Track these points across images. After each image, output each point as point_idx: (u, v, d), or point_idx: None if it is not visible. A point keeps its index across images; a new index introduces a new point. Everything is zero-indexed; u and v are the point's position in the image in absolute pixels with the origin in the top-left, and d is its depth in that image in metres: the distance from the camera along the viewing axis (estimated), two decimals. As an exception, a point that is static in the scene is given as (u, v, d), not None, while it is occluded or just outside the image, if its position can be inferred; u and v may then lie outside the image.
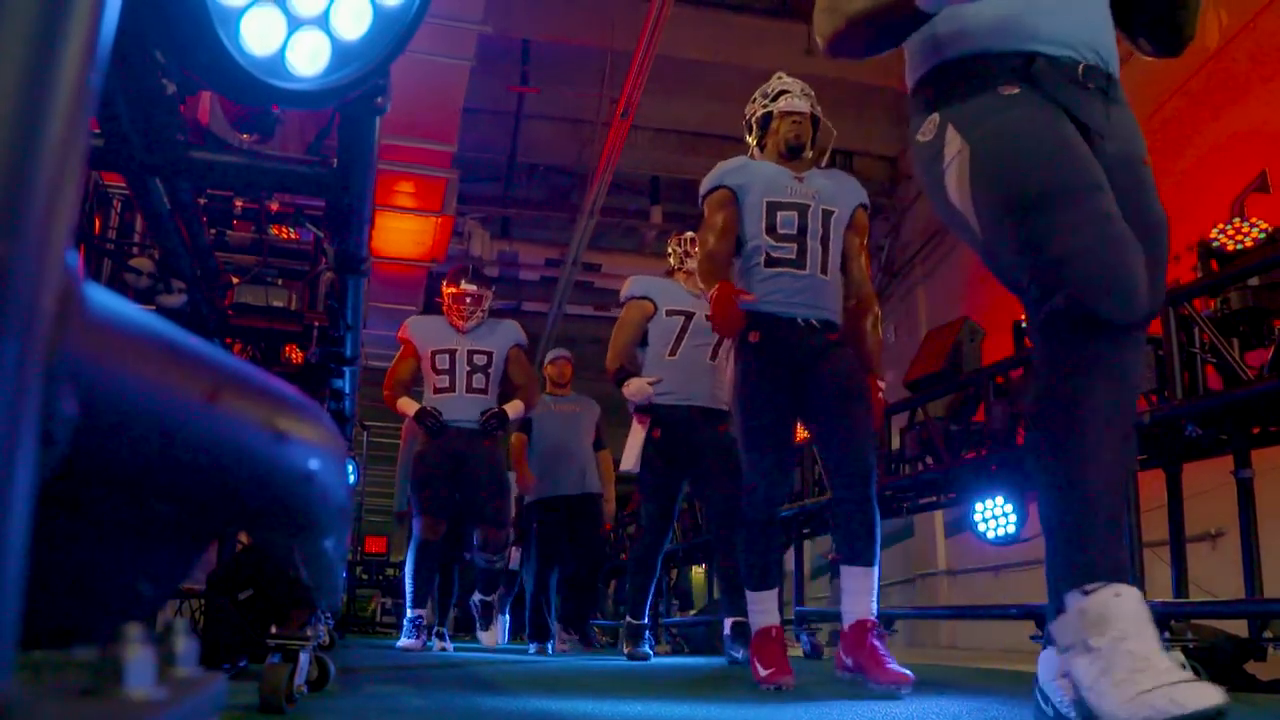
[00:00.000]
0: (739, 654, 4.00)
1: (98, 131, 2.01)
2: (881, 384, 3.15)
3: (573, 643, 6.10)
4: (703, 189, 3.21)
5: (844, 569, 2.89)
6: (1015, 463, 3.79)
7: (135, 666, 0.45)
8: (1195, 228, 3.77)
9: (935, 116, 1.80)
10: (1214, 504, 3.94)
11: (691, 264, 4.50)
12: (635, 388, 4.32)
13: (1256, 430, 3.14)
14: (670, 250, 4.80)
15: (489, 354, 5.17)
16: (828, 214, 3.10)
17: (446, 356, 5.13)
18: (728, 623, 4.27)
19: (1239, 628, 3.16)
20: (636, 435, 4.36)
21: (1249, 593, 3.07)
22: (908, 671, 2.66)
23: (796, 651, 5.48)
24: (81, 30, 0.42)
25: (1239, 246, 3.23)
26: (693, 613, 8.67)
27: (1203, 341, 2.98)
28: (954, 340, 4.98)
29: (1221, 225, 3.33)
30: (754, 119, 3.34)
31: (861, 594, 2.85)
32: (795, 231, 3.05)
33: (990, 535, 4.26)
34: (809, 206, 3.07)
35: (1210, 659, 2.88)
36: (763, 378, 2.94)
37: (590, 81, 9.93)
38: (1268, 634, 3.05)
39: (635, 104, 8.49)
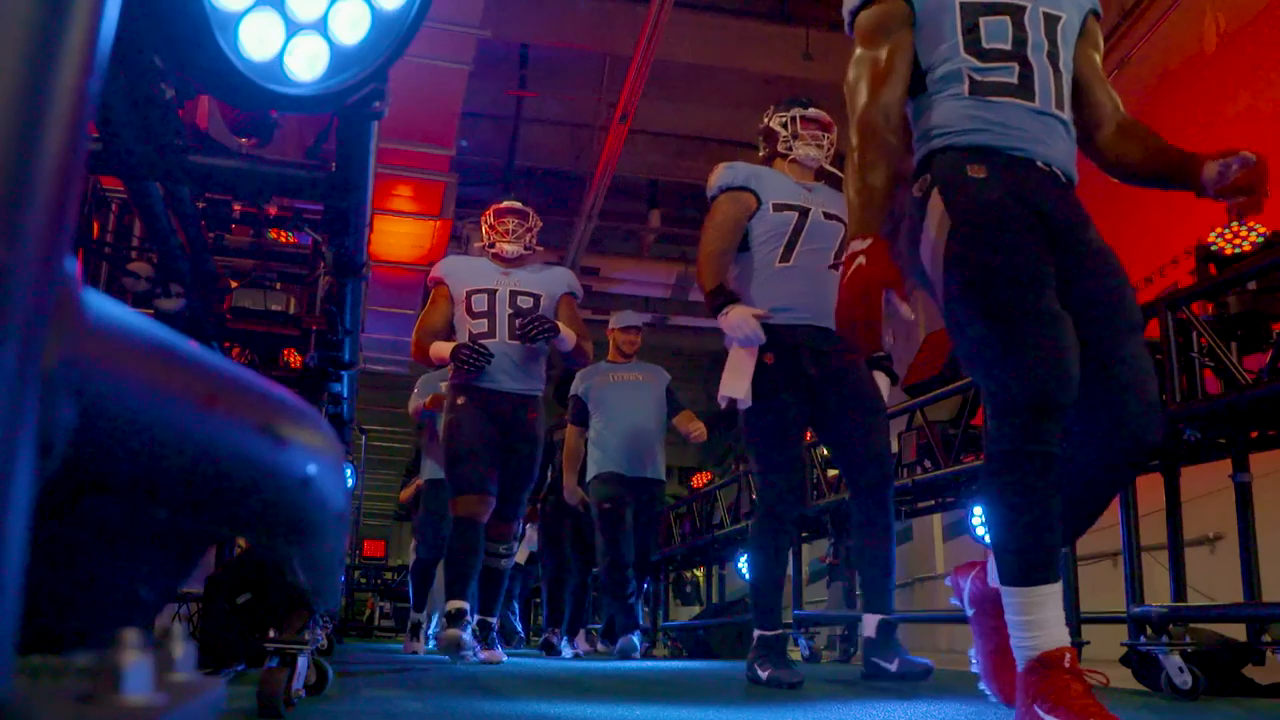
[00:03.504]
0: (890, 664, 2.96)
1: (96, 136, 2.02)
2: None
3: (607, 650, 5.50)
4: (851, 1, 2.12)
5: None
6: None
7: (133, 672, 0.45)
8: (1193, 231, 3.77)
9: None
10: (1212, 508, 3.95)
11: (803, 149, 3.38)
12: (737, 319, 3.09)
13: (1255, 434, 3.14)
14: (768, 128, 3.49)
15: (536, 296, 4.30)
16: (1052, 20, 2.05)
17: (484, 297, 4.25)
18: (870, 622, 3.12)
19: (1237, 632, 3.16)
20: (741, 360, 3.17)
21: (1247, 597, 3.07)
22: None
23: (795, 655, 5.48)
24: (80, 35, 0.42)
25: (1237, 250, 3.23)
26: (694, 615, 8.66)
27: (1201, 345, 2.98)
28: (952, 344, 4.97)
29: (1219, 229, 3.34)
30: None
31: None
32: (1010, 45, 2.01)
33: (989, 540, 4.25)
34: (1025, 8, 2.03)
35: (1209, 663, 2.88)
36: (1005, 215, 1.88)
37: (589, 85, 9.95)
38: (1266, 638, 3.05)
39: (634, 108, 8.50)
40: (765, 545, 3.19)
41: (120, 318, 0.47)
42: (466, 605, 4.21)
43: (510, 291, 4.29)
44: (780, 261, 3.25)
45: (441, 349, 4.17)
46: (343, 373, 3.77)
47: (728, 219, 3.27)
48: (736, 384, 3.12)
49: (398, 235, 9.65)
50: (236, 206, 3.34)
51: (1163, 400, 3.06)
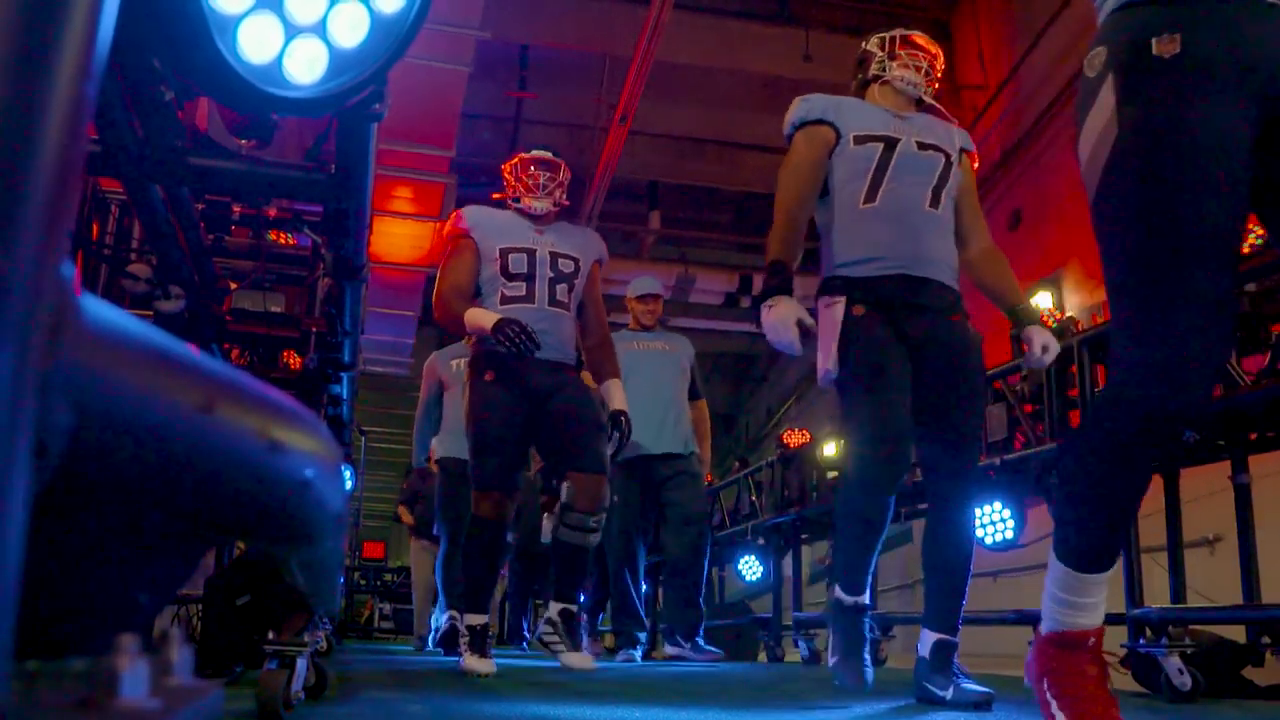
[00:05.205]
0: (944, 691, 2.56)
1: (96, 138, 2.02)
2: None
3: (682, 652, 5.01)
4: None
5: None
6: (1014, 469, 3.79)
7: (130, 676, 0.45)
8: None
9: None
10: (1211, 509, 3.95)
11: (899, 70, 2.90)
12: (777, 319, 2.58)
13: (1254, 436, 3.15)
14: (863, 52, 3.01)
15: (576, 260, 3.81)
16: None
17: (523, 257, 3.71)
18: (927, 640, 2.64)
19: (1237, 633, 3.16)
20: (825, 326, 2.72)
21: (1246, 598, 3.07)
22: None
23: (795, 657, 5.48)
24: (77, 40, 0.42)
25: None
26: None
27: (1200, 347, 2.97)
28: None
29: (1218, 231, 3.34)
30: None
31: None
32: None
33: (989, 541, 4.26)
34: None
35: (1208, 664, 2.88)
36: (1191, 138, 1.47)
37: (589, 87, 9.96)
38: (1265, 639, 3.05)
39: (634, 109, 8.51)
40: (854, 526, 2.65)
41: (117, 322, 0.47)
42: (488, 619, 3.70)
43: (550, 252, 3.74)
44: (865, 202, 2.75)
45: (480, 318, 3.49)
46: (342, 374, 3.77)
47: (803, 163, 2.79)
48: (824, 355, 2.68)
49: (397, 236, 9.65)
50: (236, 208, 3.35)
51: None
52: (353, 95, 1.35)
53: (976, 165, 2.98)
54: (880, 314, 2.63)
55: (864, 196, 2.73)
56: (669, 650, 5.12)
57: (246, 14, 1.21)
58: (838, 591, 2.69)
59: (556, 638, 3.48)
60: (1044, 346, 2.67)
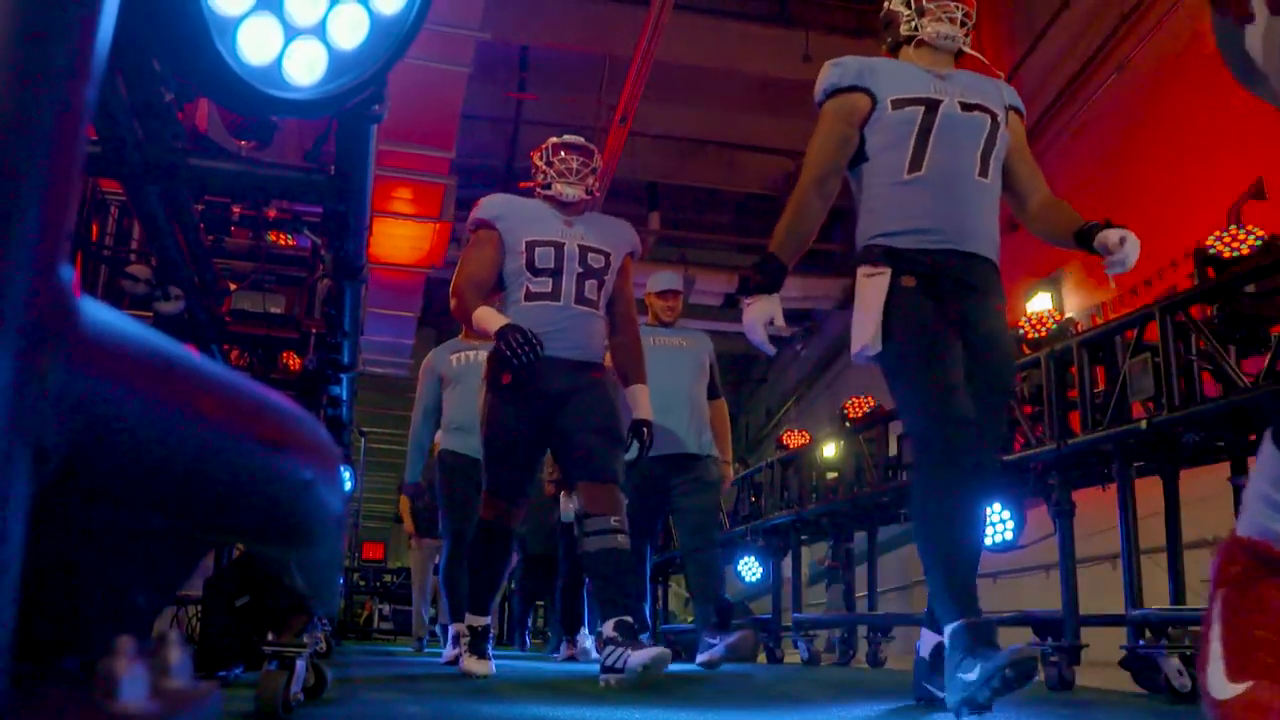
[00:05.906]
0: (944, 692, 2.31)
1: (96, 139, 2.02)
2: None
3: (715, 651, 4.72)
4: None
5: None
6: (1013, 470, 3.79)
7: (129, 679, 0.45)
8: (1192, 235, 3.78)
9: None
10: (1211, 511, 3.95)
11: (933, 25, 2.67)
12: (754, 316, 2.51)
13: (1253, 437, 3.15)
14: (889, 12, 2.79)
15: (606, 255, 3.58)
16: None
17: (550, 251, 3.50)
18: (929, 641, 2.52)
19: (1236, 634, 3.15)
20: (867, 295, 2.50)
21: (1246, 599, 3.07)
22: None
23: (795, 658, 5.48)
24: (77, 44, 0.42)
25: (1235, 254, 3.24)
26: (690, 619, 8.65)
27: (1199, 348, 2.98)
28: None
29: (1218, 233, 3.34)
30: None
31: None
32: None
33: (988, 542, 4.26)
34: None
35: (1208, 666, 2.88)
36: None
37: (588, 88, 9.96)
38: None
39: (633, 110, 8.52)
40: (944, 500, 2.34)
41: (117, 325, 0.47)
42: (490, 620, 3.64)
43: (579, 246, 3.54)
44: (910, 171, 2.55)
45: (487, 320, 3.36)
46: (342, 375, 3.77)
47: (829, 139, 2.61)
48: (864, 328, 2.45)
49: (397, 238, 9.65)
50: (235, 209, 3.34)
51: (1161, 403, 3.06)
52: (352, 97, 1.35)
53: (1024, 123, 2.80)
54: (928, 284, 2.45)
55: (908, 165, 2.54)
56: (700, 658, 4.84)
57: (246, 15, 1.21)
58: (950, 629, 2.27)
59: (617, 651, 3.14)
60: (1121, 239, 2.41)
